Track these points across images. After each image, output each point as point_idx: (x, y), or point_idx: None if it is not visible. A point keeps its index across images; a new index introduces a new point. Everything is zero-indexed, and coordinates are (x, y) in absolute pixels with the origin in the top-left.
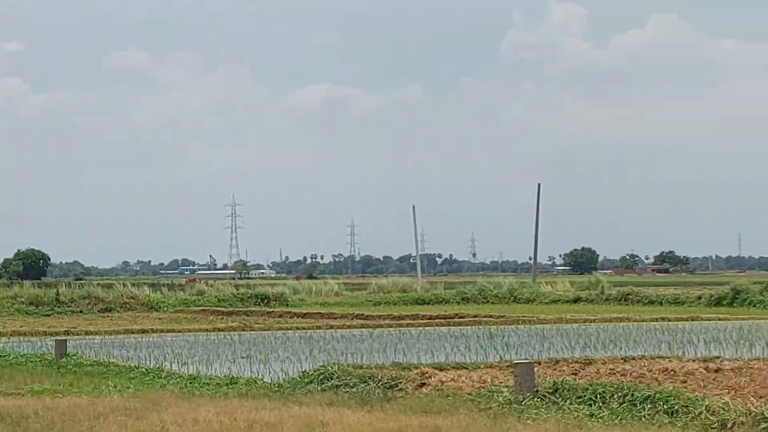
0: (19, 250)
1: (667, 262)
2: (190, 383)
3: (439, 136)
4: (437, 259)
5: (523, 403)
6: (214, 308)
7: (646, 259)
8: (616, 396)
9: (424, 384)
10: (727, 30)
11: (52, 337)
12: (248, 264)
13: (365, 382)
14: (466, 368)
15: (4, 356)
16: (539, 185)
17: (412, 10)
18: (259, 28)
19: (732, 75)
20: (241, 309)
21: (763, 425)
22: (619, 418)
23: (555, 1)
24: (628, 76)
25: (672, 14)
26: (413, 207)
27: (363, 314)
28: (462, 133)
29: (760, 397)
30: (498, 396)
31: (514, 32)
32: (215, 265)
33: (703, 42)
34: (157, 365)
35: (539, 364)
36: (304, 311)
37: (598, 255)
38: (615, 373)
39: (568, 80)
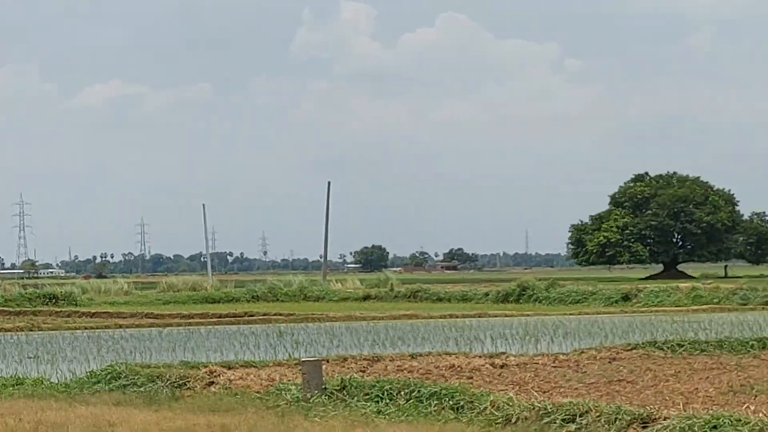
0: None
1: (456, 259)
2: None
3: (229, 134)
4: (228, 257)
5: (311, 400)
6: (0, 308)
7: (436, 256)
8: (403, 392)
9: (212, 383)
10: (512, 30)
11: None
12: (37, 263)
13: (153, 381)
14: (255, 367)
15: None
16: (329, 183)
17: (202, 9)
18: (48, 25)
19: (517, 74)
20: (29, 309)
21: (546, 419)
22: (406, 414)
23: (344, 0)
24: (416, 75)
25: (461, 14)
26: (203, 205)
27: (152, 313)
28: (252, 131)
29: (544, 392)
30: (286, 394)
31: (303, 31)
32: (2, 264)
33: (490, 41)
34: None
35: (327, 361)
36: (93, 311)
37: (389, 253)
38: (402, 370)
39: (357, 79)
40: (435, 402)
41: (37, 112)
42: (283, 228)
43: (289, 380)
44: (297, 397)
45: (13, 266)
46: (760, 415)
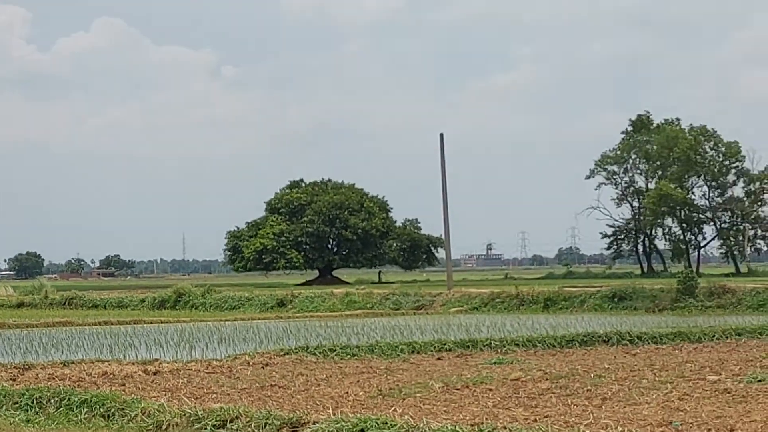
0: None
1: (113, 266)
2: None
3: None
4: None
5: None
6: None
7: (92, 263)
8: (53, 400)
9: None
10: (170, 36)
11: None
12: None
13: None
14: None
15: None
16: None
17: None
18: None
19: (175, 80)
20: None
21: (197, 425)
22: (56, 422)
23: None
24: (75, 80)
25: (118, 19)
26: None
27: None
28: None
29: (197, 398)
30: None
31: None
32: None
33: (148, 47)
34: None
35: None
36: None
37: (44, 259)
38: (54, 378)
39: (12, 82)
40: (86, 409)
41: None
42: None
43: None
44: None
45: None
46: (406, 417)
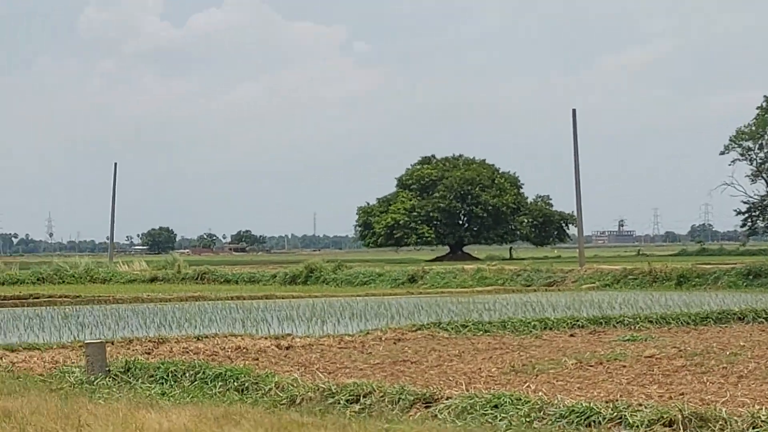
0: None
1: (244, 241)
2: None
3: (14, 115)
4: (13, 239)
5: (95, 383)
6: None
7: (224, 238)
8: (188, 374)
9: None
10: (301, 12)
11: None
12: None
13: None
14: (38, 349)
15: None
16: (116, 165)
17: None
18: None
19: (306, 56)
20: None
21: (330, 400)
22: (191, 395)
23: None
24: (207, 56)
25: None
26: None
27: None
28: (38, 112)
29: (329, 373)
30: (70, 376)
31: (91, 10)
32: None
33: (279, 23)
34: None
35: (112, 343)
36: None
37: (176, 234)
38: (188, 352)
39: (146, 59)
40: (220, 383)
41: None
42: (69, 209)
43: (73, 362)
44: (81, 379)
45: None
46: (540, 393)
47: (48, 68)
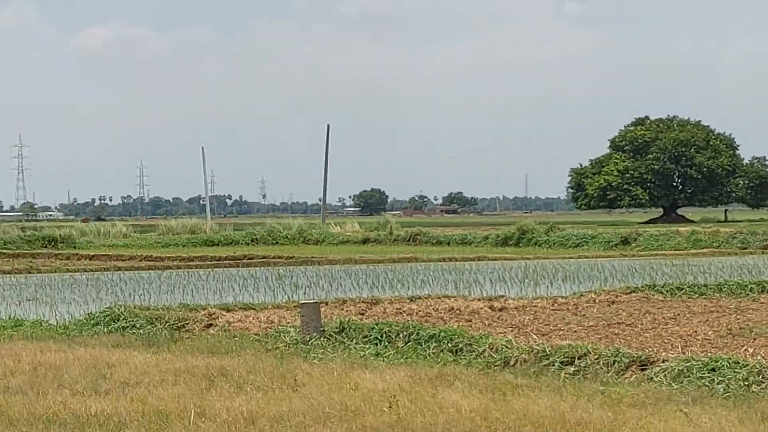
0: None
1: (456, 203)
2: None
3: (230, 77)
4: (227, 200)
5: (309, 343)
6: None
7: (435, 200)
8: (401, 335)
9: (211, 325)
10: None
11: None
12: (35, 206)
13: (152, 323)
14: (253, 309)
15: None
16: (328, 126)
17: None
18: None
19: (518, 17)
20: (28, 251)
21: (545, 362)
22: (405, 356)
23: None
24: (419, 18)
25: None
26: (202, 148)
27: (151, 256)
28: (252, 74)
29: (543, 335)
30: (285, 336)
31: None
32: (1, 207)
33: None
34: None
35: (326, 304)
36: (92, 253)
37: (388, 196)
38: (401, 313)
39: (359, 21)
40: (434, 344)
41: (37, 54)
42: (282, 171)
43: (288, 323)
44: (296, 339)
45: (12, 209)
46: (759, 357)
47: (263, 31)
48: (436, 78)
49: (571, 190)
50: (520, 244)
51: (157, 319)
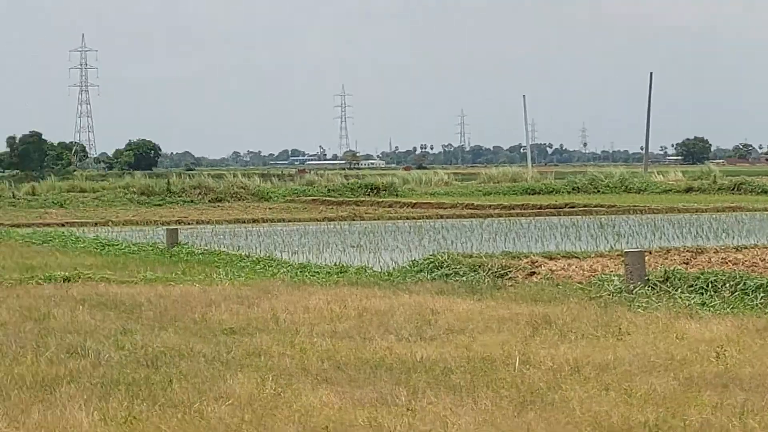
0: (130, 141)
1: None
2: (301, 272)
3: (546, 22)
4: (548, 149)
5: (633, 291)
6: (324, 198)
7: (760, 148)
8: (727, 285)
9: (533, 273)
10: None
11: (163, 227)
12: (358, 154)
13: (475, 271)
14: (576, 257)
15: (117, 245)
16: (651, 74)
17: None
18: None
19: None
20: (351, 199)
21: None
22: (731, 306)
23: None
24: None
25: None
26: (524, 96)
27: (472, 204)
28: (574, 22)
29: None
30: (608, 285)
31: None
32: (325, 155)
33: None
34: (268, 254)
35: (650, 253)
36: (414, 201)
37: (711, 145)
38: (727, 262)
39: None
40: (761, 294)
41: (357, 3)
42: (603, 120)
43: (611, 271)
44: (619, 288)
45: (335, 157)
46: None
47: None
48: (764, 24)
49: None
50: None
51: (479, 266)
